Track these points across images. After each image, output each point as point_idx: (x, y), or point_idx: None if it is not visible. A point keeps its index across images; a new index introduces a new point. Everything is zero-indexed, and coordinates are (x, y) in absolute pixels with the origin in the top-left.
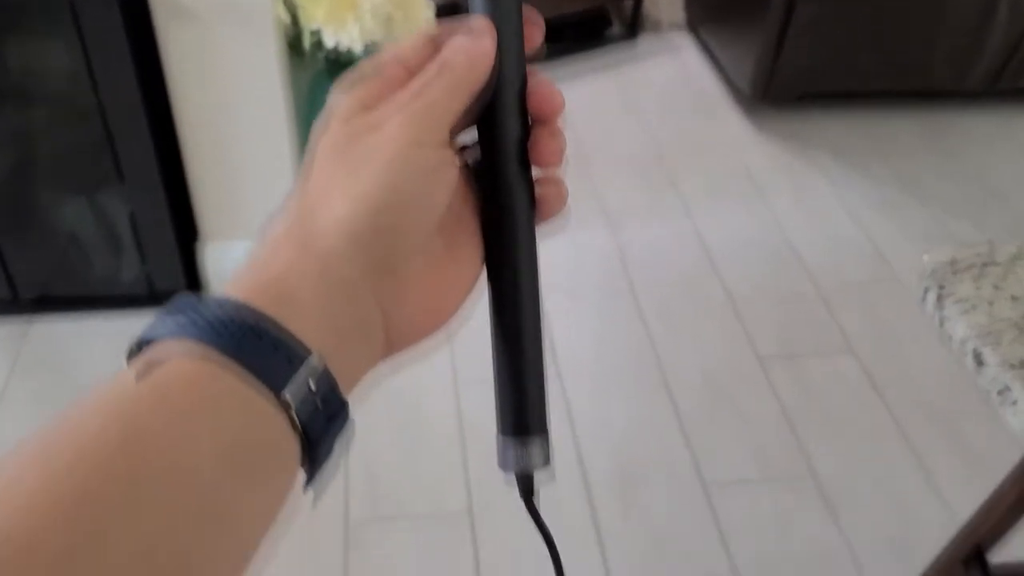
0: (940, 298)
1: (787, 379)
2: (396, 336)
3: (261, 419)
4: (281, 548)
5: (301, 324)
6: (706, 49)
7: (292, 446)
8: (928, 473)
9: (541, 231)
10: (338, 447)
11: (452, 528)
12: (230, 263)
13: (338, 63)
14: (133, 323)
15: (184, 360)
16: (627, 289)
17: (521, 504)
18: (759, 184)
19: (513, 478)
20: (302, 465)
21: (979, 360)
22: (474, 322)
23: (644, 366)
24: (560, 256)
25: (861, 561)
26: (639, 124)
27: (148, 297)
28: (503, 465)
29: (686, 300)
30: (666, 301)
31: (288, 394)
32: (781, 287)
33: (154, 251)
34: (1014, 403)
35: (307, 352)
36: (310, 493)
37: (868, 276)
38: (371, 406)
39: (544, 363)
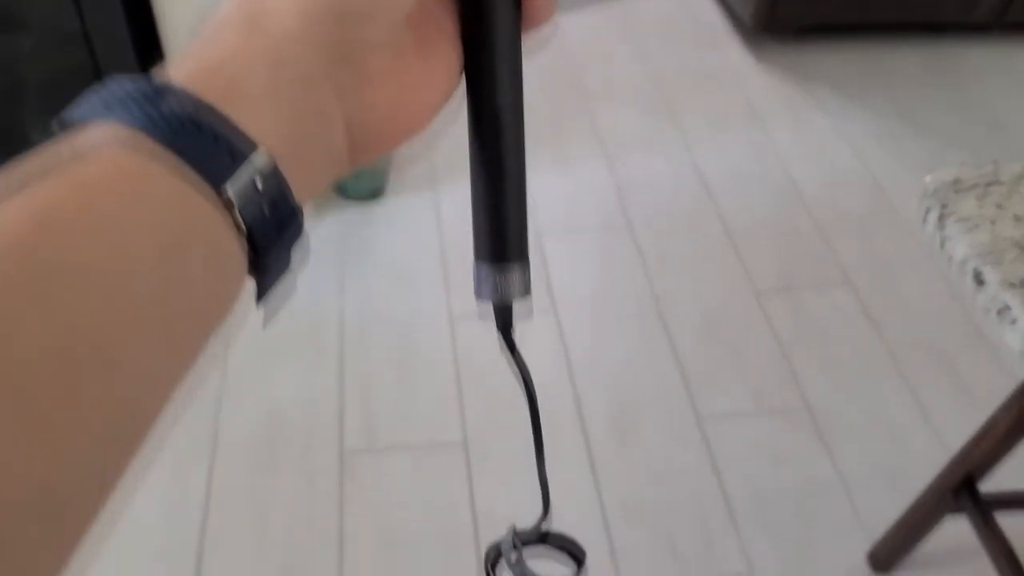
0: (942, 217)
1: (784, 312)
2: (360, 140)
3: (200, 216)
4: (277, 478)
5: (248, 115)
6: None
7: (236, 249)
8: (921, 405)
9: (527, 40)
10: (292, 261)
11: (447, 458)
12: None
13: None
14: None
15: (112, 146)
16: (624, 224)
17: (515, 431)
18: (759, 116)
19: (490, 308)
20: (251, 274)
21: (979, 280)
22: (469, 257)
23: (641, 301)
24: (557, 192)
25: (853, 491)
26: (639, 56)
27: None
28: (479, 293)
29: (684, 234)
30: (664, 235)
31: (231, 191)
32: (779, 220)
33: None
34: (1013, 322)
35: (253, 147)
36: (261, 310)
37: (867, 209)
38: (366, 338)
39: (526, 187)
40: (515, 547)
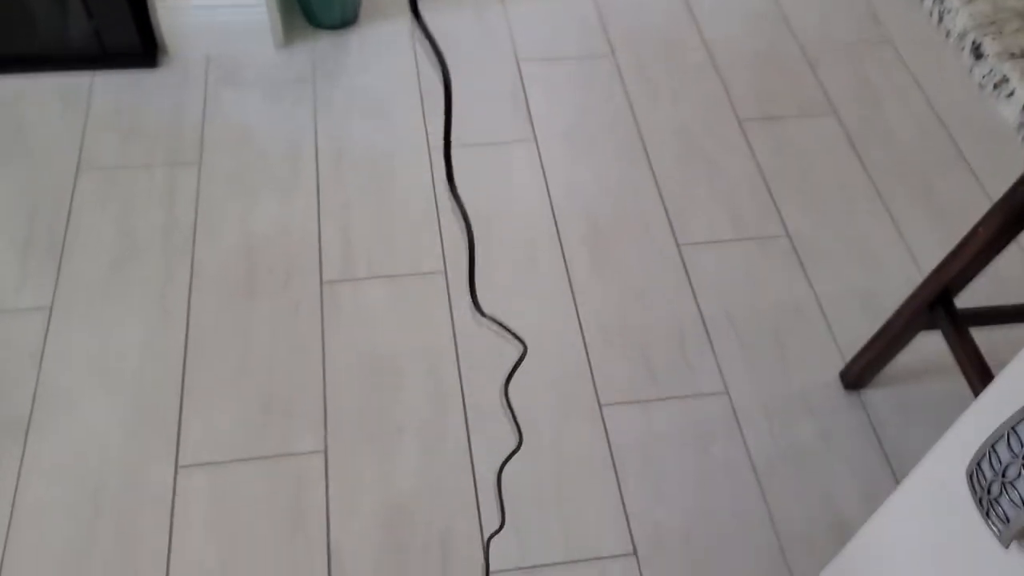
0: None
1: (766, 140)
2: None
3: None
4: (257, 307)
5: None
6: None
7: None
8: (899, 230)
9: None
10: None
11: (426, 287)
12: (187, 18)
13: None
14: (84, 81)
15: None
16: (606, 50)
17: (494, 259)
18: None
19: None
20: None
21: (977, 53)
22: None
23: (622, 128)
24: (538, 19)
25: (829, 313)
26: None
27: (101, 56)
28: None
29: (666, 60)
30: (646, 62)
31: None
32: (765, 47)
33: (101, 7)
34: (1010, 94)
35: None
36: None
37: (856, 36)
38: (343, 169)
39: None
40: None
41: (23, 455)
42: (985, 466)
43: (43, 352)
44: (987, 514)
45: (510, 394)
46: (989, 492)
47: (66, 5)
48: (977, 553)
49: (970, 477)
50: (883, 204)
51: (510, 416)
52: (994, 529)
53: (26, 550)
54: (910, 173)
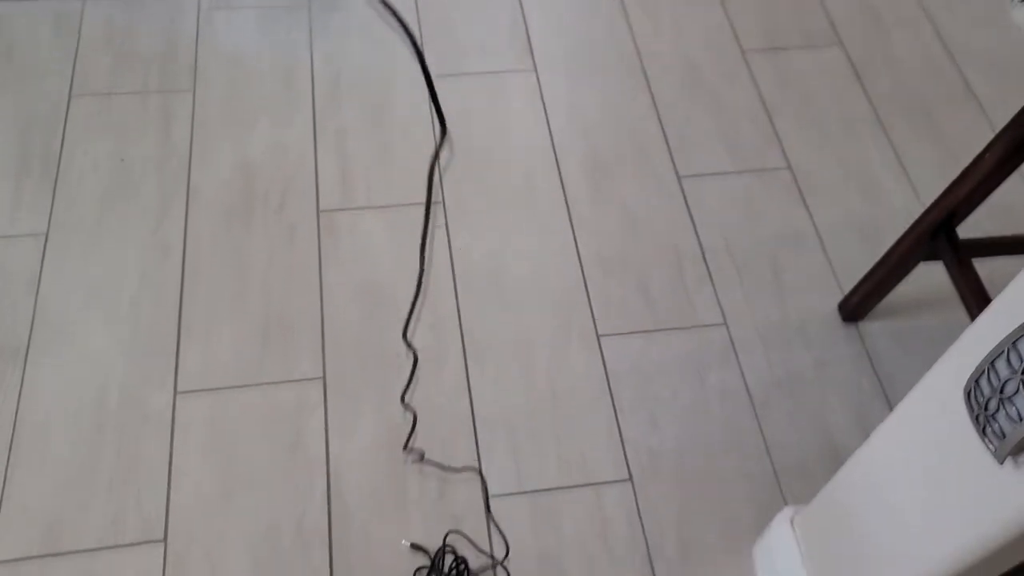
0: None
1: (769, 71)
2: None
3: None
4: (254, 232)
5: None
6: None
7: None
8: (903, 164)
9: None
10: None
11: (422, 216)
12: None
13: None
14: (75, 6)
15: None
16: None
17: (490, 192)
18: None
19: None
20: None
21: None
22: (443, 18)
23: (623, 57)
24: None
25: (829, 246)
26: None
27: None
28: None
29: None
30: None
31: None
32: None
33: None
34: None
35: None
36: None
37: None
38: (339, 94)
39: None
40: None
41: (23, 379)
42: (983, 383)
43: (40, 279)
44: (983, 431)
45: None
46: (986, 409)
47: None
48: (971, 471)
49: (968, 394)
50: (886, 136)
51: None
52: (990, 446)
53: (29, 470)
54: (915, 105)
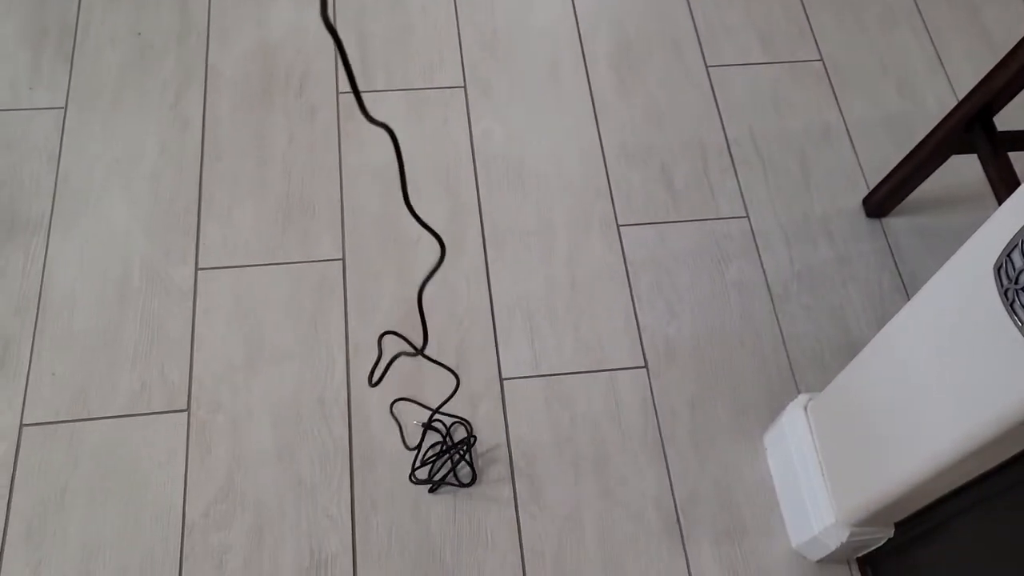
0: None
1: None
2: None
3: None
4: (274, 113)
5: None
6: None
7: None
8: (941, 57)
9: None
10: None
11: (446, 100)
12: None
13: None
14: None
15: None
16: None
17: (513, 73)
18: None
19: None
20: None
21: None
22: None
23: None
24: None
25: (858, 140)
26: None
27: None
28: None
29: None
30: None
31: None
32: None
33: None
34: None
35: None
36: None
37: None
38: None
39: None
40: None
41: (47, 251)
42: (1016, 256)
43: (60, 153)
44: (1012, 306)
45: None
46: (1017, 282)
47: None
48: (996, 347)
49: (998, 270)
50: (926, 29)
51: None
52: (1017, 320)
53: (56, 340)
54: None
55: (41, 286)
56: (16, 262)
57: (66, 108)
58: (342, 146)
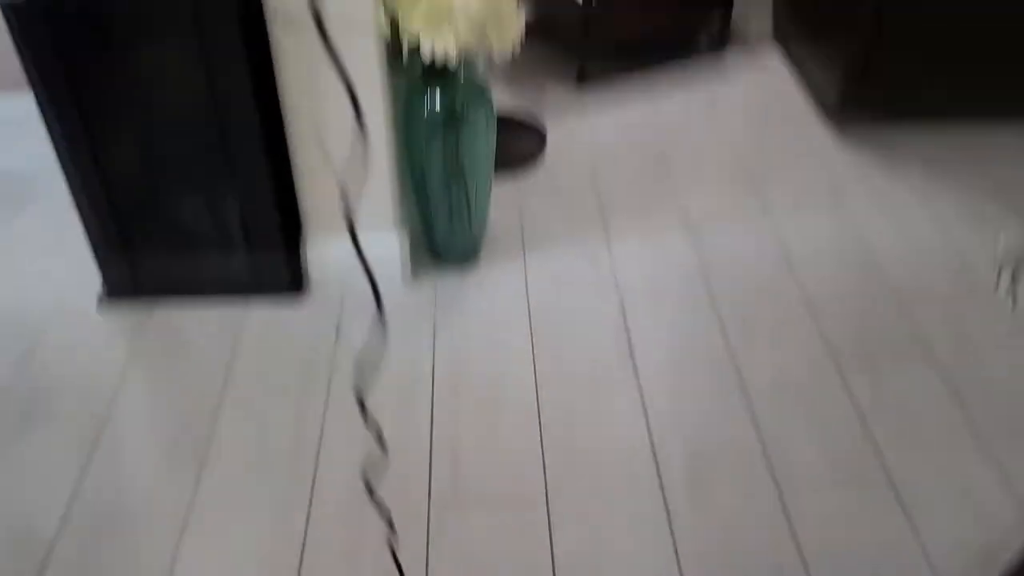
0: (1015, 279)
1: (863, 385)
2: None
3: None
4: (367, 553)
5: None
6: (793, 61)
7: None
8: (1008, 481)
9: None
10: None
11: (528, 512)
12: (332, 255)
13: (433, 70)
14: (238, 311)
15: None
16: (705, 293)
17: (594, 491)
18: (843, 195)
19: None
20: None
21: None
22: (552, 316)
23: (720, 367)
24: (642, 261)
25: (935, 562)
26: (724, 135)
27: (254, 286)
28: None
29: (764, 306)
30: (744, 305)
31: None
32: (860, 294)
33: (261, 244)
34: None
35: None
36: None
37: (951, 286)
38: (456, 394)
39: None
40: None
41: None
42: None
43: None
44: None
45: None
46: None
47: (231, 244)
48: None
49: None
50: (989, 455)
51: None
52: None
53: None
54: (1017, 428)
55: None
56: None
57: (187, 517)
58: (430, 555)
